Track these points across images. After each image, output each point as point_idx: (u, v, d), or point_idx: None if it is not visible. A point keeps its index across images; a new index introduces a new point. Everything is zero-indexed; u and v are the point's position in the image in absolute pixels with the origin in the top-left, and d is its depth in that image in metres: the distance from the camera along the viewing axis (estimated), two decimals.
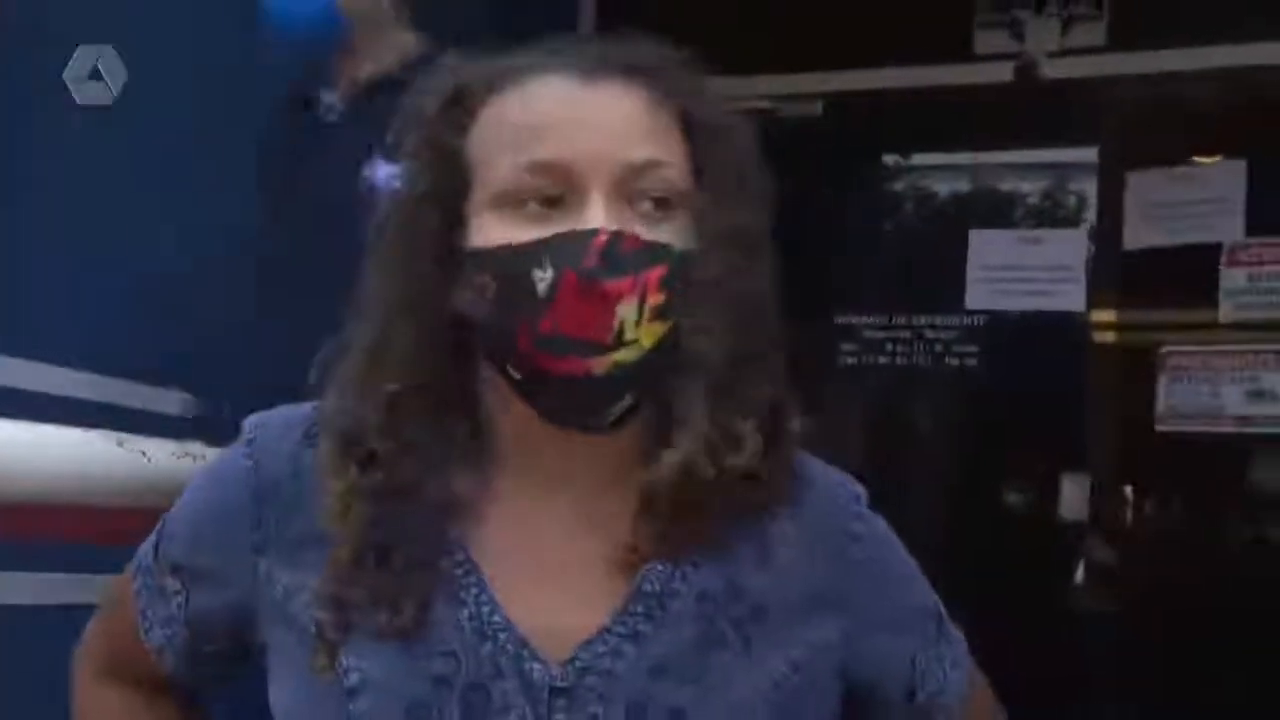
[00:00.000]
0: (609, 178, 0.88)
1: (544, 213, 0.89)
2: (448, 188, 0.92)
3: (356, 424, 0.92)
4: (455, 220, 0.92)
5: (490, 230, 0.90)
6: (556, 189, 0.89)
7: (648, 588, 0.92)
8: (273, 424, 0.98)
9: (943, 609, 1.05)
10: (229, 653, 1.01)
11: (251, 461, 0.97)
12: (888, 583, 1.01)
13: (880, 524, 1.02)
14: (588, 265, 0.86)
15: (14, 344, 2.00)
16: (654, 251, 0.88)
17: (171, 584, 1.00)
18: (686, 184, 0.92)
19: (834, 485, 1.01)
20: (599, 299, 0.86)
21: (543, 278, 0.87)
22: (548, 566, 0.93)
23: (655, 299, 0.87)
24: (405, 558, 0.91)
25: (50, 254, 2.22)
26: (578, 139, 0.89)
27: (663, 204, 0.90)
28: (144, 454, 1.45)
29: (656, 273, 0.87)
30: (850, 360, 3.35)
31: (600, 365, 0.87)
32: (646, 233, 0.89)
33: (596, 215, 0.87)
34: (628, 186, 0.89)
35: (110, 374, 2.14)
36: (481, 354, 0.93)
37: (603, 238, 0.86)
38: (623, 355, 0.87)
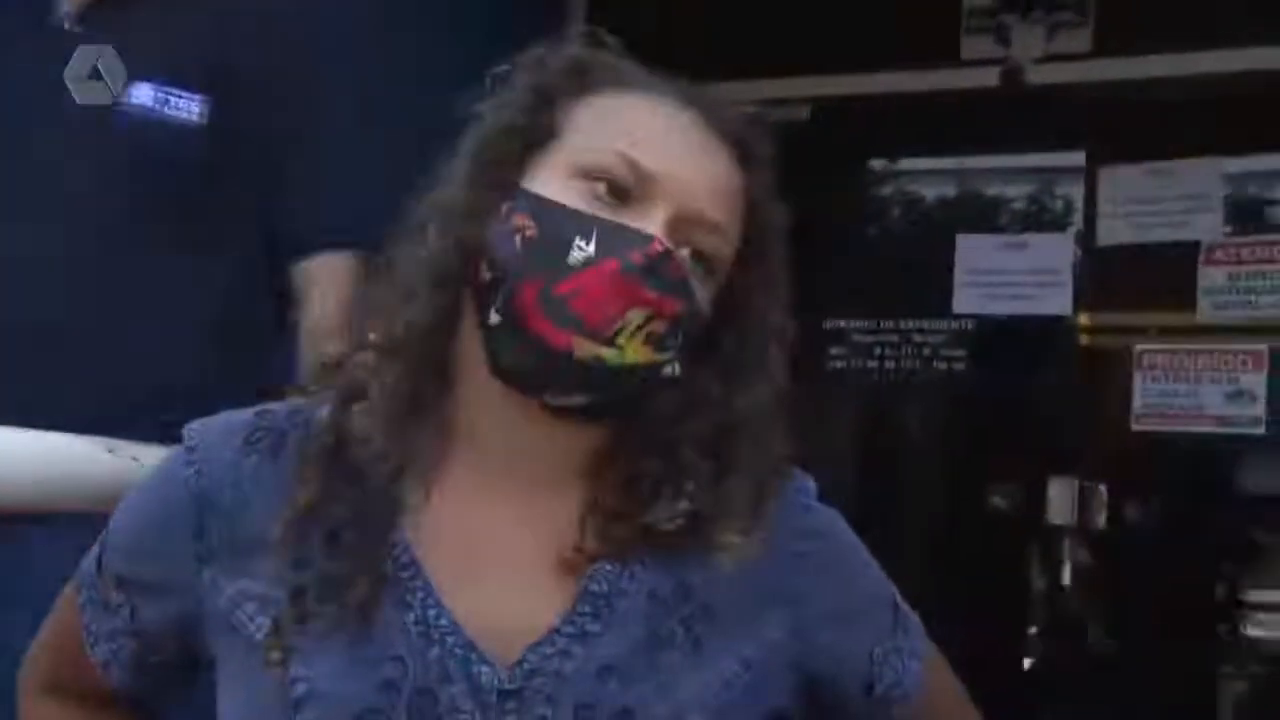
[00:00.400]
0: (679, 210, 0.91)
1: (608, 201, 0.91)
2: (531, 135, 0.94)
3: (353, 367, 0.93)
4: (525, 163, 0.94)
5: (554, 186, 0.92)
6: (632, 189, 0.91)
7: (595, 588, 0.92)
8: (213, 430, 0.97)
9: (899, 598, 1.05)
10: (176, 663, 1.00)
11: (193, 469, 0.96)
12: (839, 574, 1.01)
13: (830, 514, 1.03)
14: (633, 260, 0.88)
15: None
16: (686, 288, 0.91)
17: (115, 597, 0.99)
18: (728, 260, 0.95)
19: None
20: (621, 294, 0.88)
21: (583, 249, 0.89)
22: (493, 565, 0.93)
23: (659, 325, 0.90)
24: (354, 538, 0.90)
25: None
26: (672, 162, 0.92)
27: (703, 263, 0.93)
28: (135, 459, 1.45)
29: (677, 305, 0.90)
30: (839, 364, 3.37)
31: (583, 350, 0.88)
32: (687, 270, 0.92)
33: (657, 229, 0.90)
34: (686, 229, 0.92)
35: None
36: (471, 298, 0.93)
37: (658, 247, 0.89)
38: (607, 354, 0.89)
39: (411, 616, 0.90)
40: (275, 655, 0.89)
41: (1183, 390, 3.00)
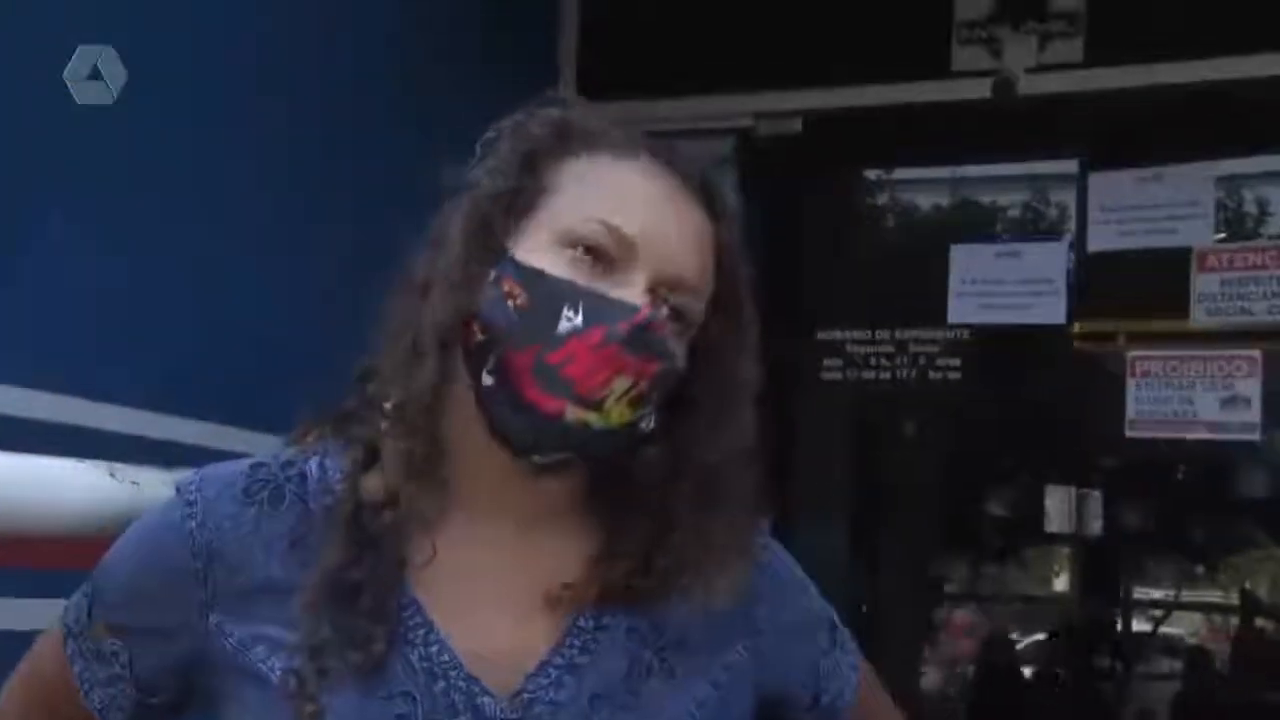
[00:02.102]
0: (658, 274, 0.96)
1: (591, 267, 0.95)
2: (522, 199, 0.98)
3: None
4: (513, 228, 0.98)
5: (542, 254, 0.96)
6: (614, 255, 0.95)
7: (582, 623, 0.99)
8: (211, 484, 1.01)
9: (835, 616, 1.15)
10: (175, 702, 1.03)
11: (194, 522, 0.99)
12: (788, 604, 1.10)
13: (779, 550, 1.12)
14: (619, 330, 0.93)
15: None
16: (667, 350, 0.96)
17: (110, 644, 1.01)
18: (703, 310, 1.00)
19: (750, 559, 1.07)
20: (608, 363, 0.93)
21: (570, 319, 0.93)
22: (486, 599, 0.98)
23: (642, 388, 0.94)
24: (370, 599, 0.95)
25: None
26: (652, 229, 0.97)
27: (680, 321, 0.98)
28: (135, 483, 1.45)
29: (658, 368, 0.95)
30: (834, 375, 3.37)
31: (574, 414, 0.93)
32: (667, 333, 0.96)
33: (638, 295, 0.95)
34: (664, 291, 0.97)
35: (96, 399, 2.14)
36: (463, 358, 0.97)
37: (643, 315, 0.94)
38: (593, 418, 0.94)
39: (416, 654, 0.95)
40: (310, 709, 0.93)
41: (1177, 397, 3.01)
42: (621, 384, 0.93)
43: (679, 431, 1.00)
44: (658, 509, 1.00)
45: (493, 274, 0.96)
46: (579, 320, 0.93)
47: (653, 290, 0.96)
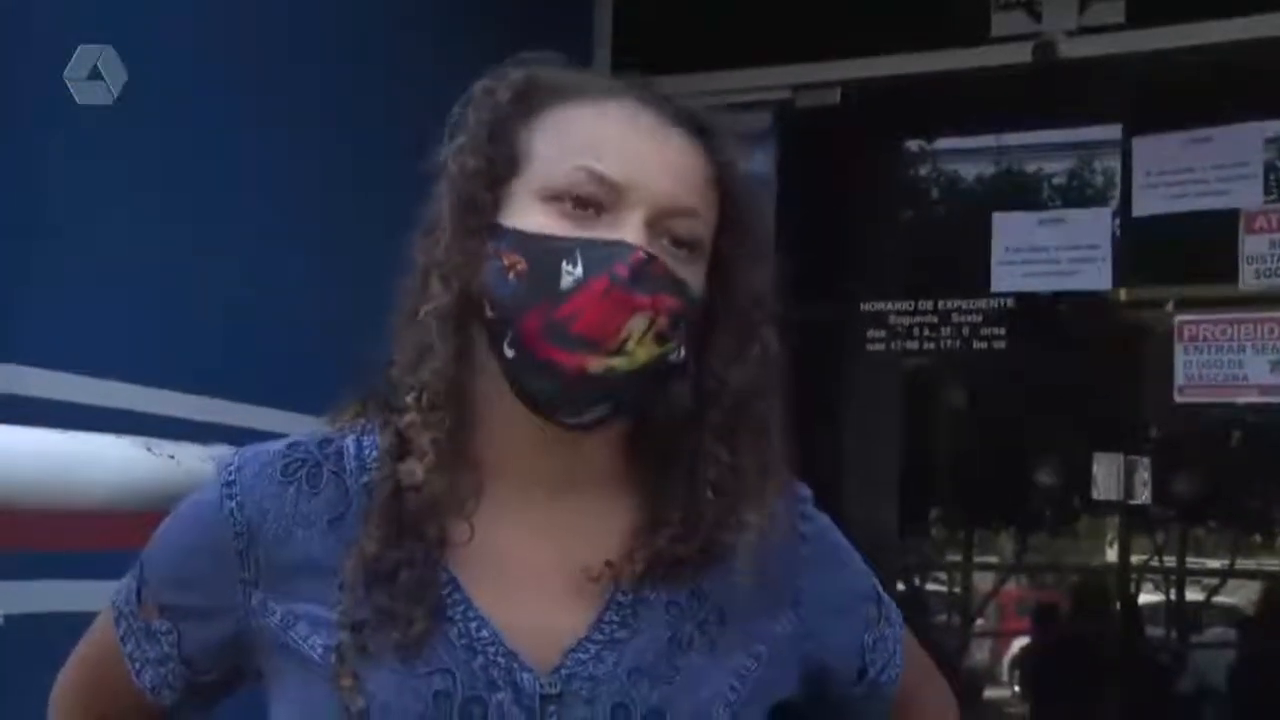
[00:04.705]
0: (652, 208, 0.95)
1: (583, 216, 0.95)
2: (497, 171, 0.98)
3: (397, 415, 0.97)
4: (498, 201, 0.98)
5: (531, 217, 0.96)
6: (603, 200, 0.95)
7: (622, 598, 0.99)
8: (249, 465, 1.02)
9: (880, 589, 1.14)
10: (225, 680, 1.05)
11: (234, 502, 1.00)
12: (833, 574, 1.09)
13: (824, 520, 1.11)
14: (619, 273, 0.92)
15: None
16: (677, 284, 0.95)
17: (160, 624, 1.03)
18: (709, 237, 0.99)
19: (784, 489, 1.06)
20: (618, 307, 0.92)
21: (571, 272, 0.93)
22: (526, 576, 0.98)
23: (662, 323, 0.94)
24: (410, 578, 0.95)
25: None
26: (635, 165, 0.96)
27: (685, 247, 0.97)
28: (172, 457, 1.47)
29: (672, 302, 0.94)
30: (878, 347, 3.36)
31: (596, 365, 0.93)
32: (671, 266, 0.95)
33: (635, 234, 0.94)
34: (662, 226, 0.96)
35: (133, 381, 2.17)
36: (483, 335, 0.97)
37: (640, 254, 0.93)
38: (618, 362, 0.93)
39: (455, 631, 0.95)
40: (348, 683, 0.94)
41: (1226, 361, 2.97)
42: (639, 323, 0.92)
43: (703, 355, 0.99)
44: (691, 451, 0.98)
45: (491, 249, 0.96)
46: (580, 272, 0.92)
47: (650, 224, 0.95)
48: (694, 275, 0.97)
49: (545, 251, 0.94)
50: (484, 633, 0.95)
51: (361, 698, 0.93)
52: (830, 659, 1.08)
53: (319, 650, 0.95)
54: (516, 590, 0.97)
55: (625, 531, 1.00)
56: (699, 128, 1.00)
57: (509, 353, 0.95)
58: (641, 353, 0.93)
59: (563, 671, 0.95)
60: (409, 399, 0.97)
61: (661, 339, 0.94)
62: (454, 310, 0.96)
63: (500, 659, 0.95)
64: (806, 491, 1.09)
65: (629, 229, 0.94)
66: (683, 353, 0.97)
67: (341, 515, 0.98)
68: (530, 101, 1.00)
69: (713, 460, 0.99)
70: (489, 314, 0.96)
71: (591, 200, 0.95)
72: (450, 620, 0.95)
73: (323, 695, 0.94)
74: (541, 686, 0.94)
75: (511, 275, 0.94)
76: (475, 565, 0.97)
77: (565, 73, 1.02)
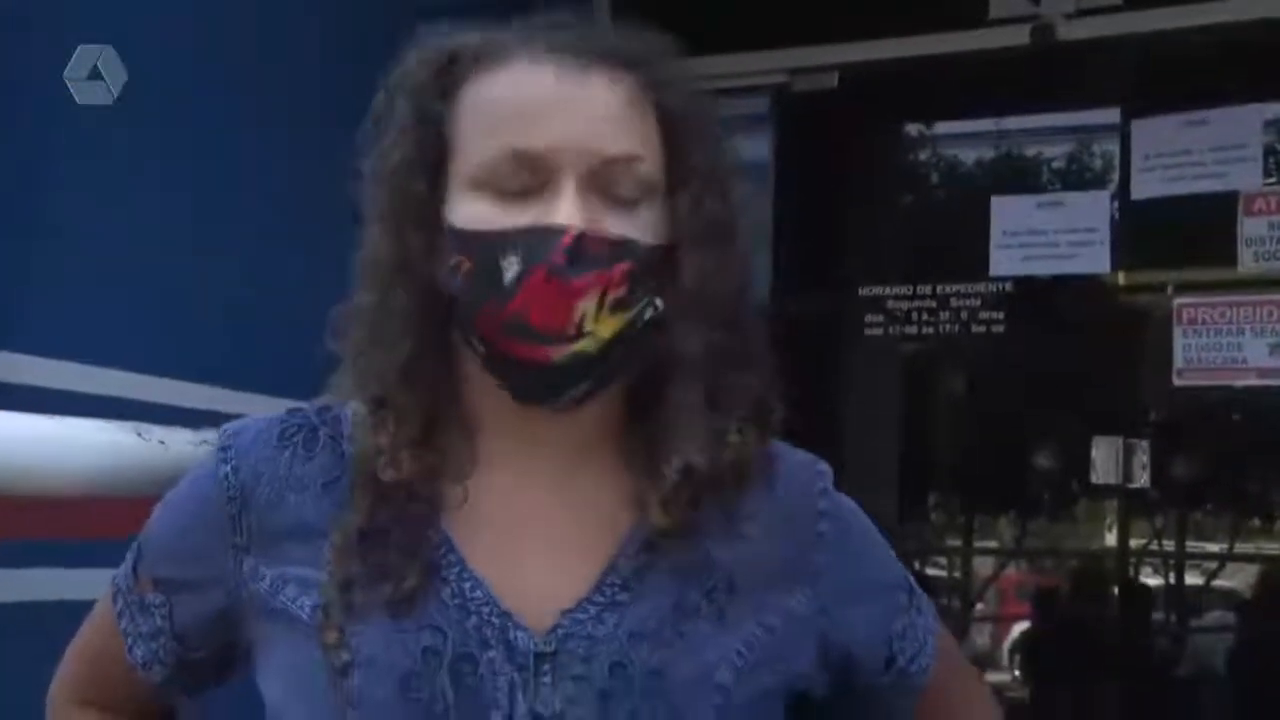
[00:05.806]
0: (584, 169, 0.92)
1: (518, 197, 0.92)
2: (429, 157, 0.95)
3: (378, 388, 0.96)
4: (438, 188, 0.95)
5: (467, 208, 0.93)
6: (533, 178, 0.92)
7: (623, 563, 0.96)
8: (247, 431, 1.01)
9: (912, 579, 1.10)
10: (217, 657, 1.03)
11: (229, 466, 1.00)
12: (856, 557, 1.05)
13: (846, 502, 1.07)
14: (555, 261, 0.89)
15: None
16: (619, 248, 0.91)
17: (153, 598, 1.03)
18: (659, 177, 0.95)
19: (802, 465, 1.05)
20: (561, 294, 0.90)
21: (510, 267, 0.90)
22: (525, 541, 0.96)
23: (616, 293, 0.91)
24: (401, 536, 0.94)
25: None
26: (556, 128, 0.92)
27: (628, 193, 0.93)
28: (162, 443, 1.46)
29: (620, 269, 0.91)
30: (876, 331, 3.35)
31: (560, 353, 0.91)
32: (616, 225, 0.92)
33: (566, 208, 0.90)
34: (601, 178, 0.92)
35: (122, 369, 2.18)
36: (457, 326, 0.96)
37: (570, 236, 0.90)
38: (582, 345, 0.91)
39: (448, 591, 0.94)
40: (332, 637, 0.92)
41: (1225, 344, 2.96)
42: (589, 304, 0.90)
43: (677, 297, 0.94)
44: (677, 388, 0.95)
45: (436, 247, 0.94)
46: (518, 265, 0.90)
47: (587, 184, 0.91)
48: (647, 224, 0.94)
49: (483, 248, 0.91)
50: (478, 593, 0.94)
51: (346, 652, 0.92)
52: (856, 648, 1.04)
53: (307, 610, 0.94)
54: (515, 553, 0.96)
55: (626, 495, 0.97)
56: (625, 59, 0.95)
57: (479, 348, 0.94)
58: (604, 329, 0.91)
59: (559, 631, 0.93)
60: (375, 389, 0.95)
61: (621, 306, 0.91)
62: (412, 309, 0.95)
63: (494, 619, 0.93)
64: (825, 467, 1.06)
65: (563, 201, 0.90)
66: (659, 303, 0.94)
67: (336, 479, 0.97)
68: (449, 78, 0.96)
69: (698, 373, 0.95)
70: (455, 310, 0.95)
71: (521, 180, 0.92)
72: (444, 580, 0.94)
73: (310, 655, 0.93)
74: (536, 645, 0.93)
75: (460, 275, 0.93)
76: (471, 528, 0.96)
77: (483, 37, 0.98)
